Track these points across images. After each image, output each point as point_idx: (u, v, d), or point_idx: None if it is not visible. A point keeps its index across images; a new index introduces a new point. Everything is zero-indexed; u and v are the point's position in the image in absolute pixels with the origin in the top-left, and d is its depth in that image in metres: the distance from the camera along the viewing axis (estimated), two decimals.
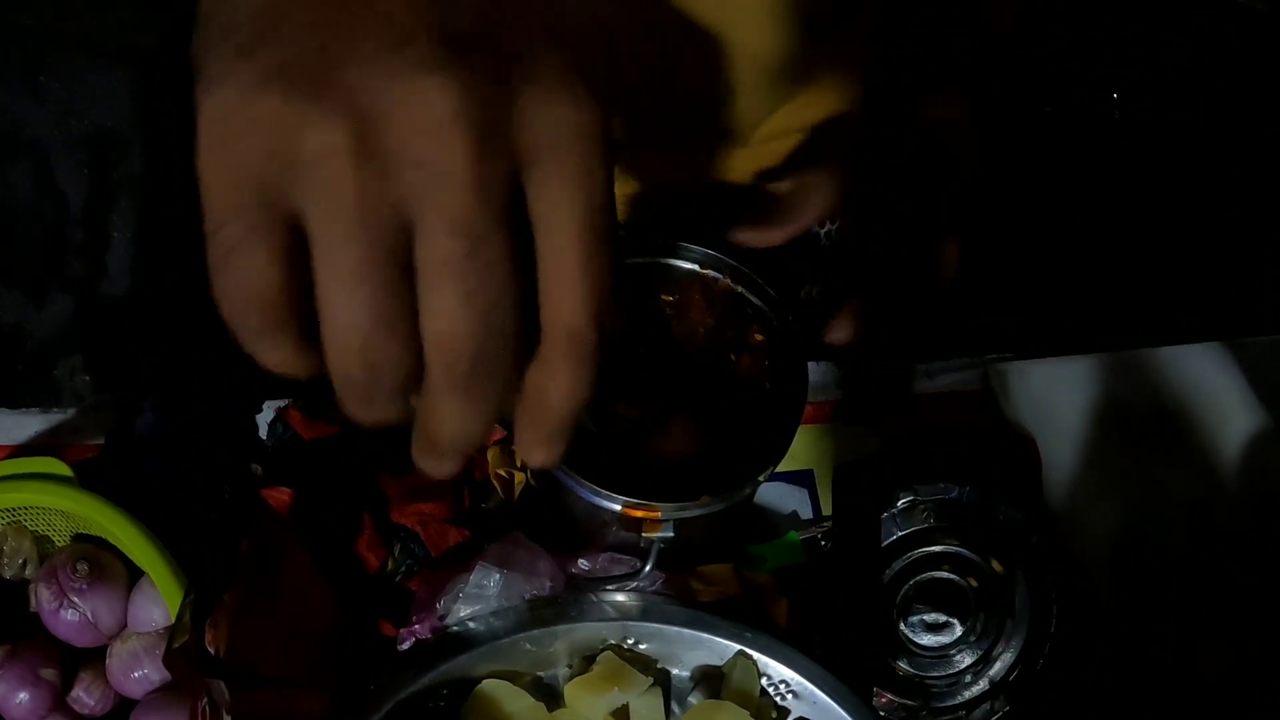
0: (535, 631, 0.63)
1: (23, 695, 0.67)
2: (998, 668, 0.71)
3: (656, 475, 0.62)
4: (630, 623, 0.64)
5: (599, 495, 0.58)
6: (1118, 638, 0.75)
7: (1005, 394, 0.83)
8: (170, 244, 1.22)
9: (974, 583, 0.72)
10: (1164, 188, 1.22)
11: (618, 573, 0.64)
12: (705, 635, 0.64)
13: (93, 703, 0.69)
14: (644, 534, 0.59)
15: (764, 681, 0.64)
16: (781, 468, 0.77)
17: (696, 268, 0.68)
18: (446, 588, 0.64)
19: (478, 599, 0.63)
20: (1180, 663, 0.75)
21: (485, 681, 0.63)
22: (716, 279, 0.68)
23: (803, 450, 0.78)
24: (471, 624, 0.63)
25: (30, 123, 1.23)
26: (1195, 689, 0.75)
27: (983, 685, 0.71)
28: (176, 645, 0.52)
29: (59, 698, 0.68)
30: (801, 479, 0.78)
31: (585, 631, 0.63)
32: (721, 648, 0.64)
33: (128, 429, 0.76)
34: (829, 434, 0.79)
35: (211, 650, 0.54)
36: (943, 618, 0.72)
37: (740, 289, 0.68)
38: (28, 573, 0.73)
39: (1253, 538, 0.81)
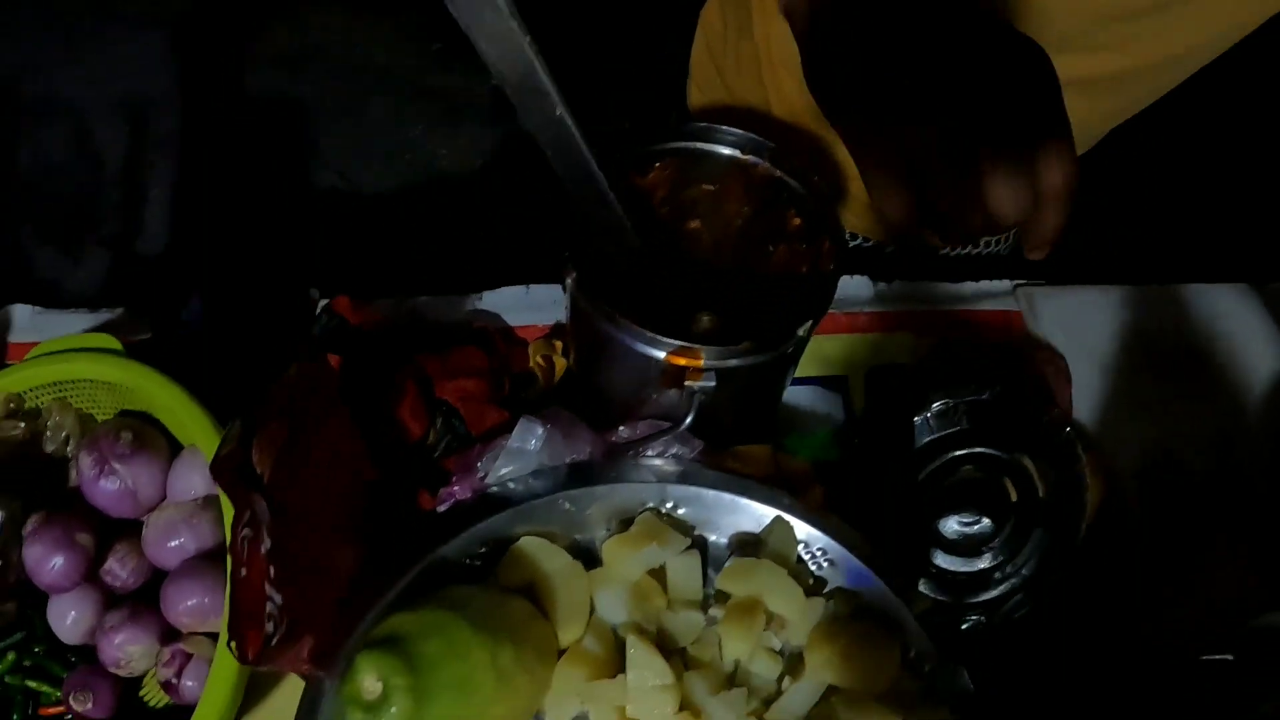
0: (574, 491, 0.63)
1: (57, 559, 0.66)
2: (1027, 565, 0.70)
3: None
4: (669, 485, 0.64)
5: (645, 341, 0.59)
6: (1147, 548, 0.74)
7: (1035, 316, 0.84)
8: (204, 201, 1.25)
9: (1007, 482, 0.72)
10: (1204, 139, 1.22)
11: (657, 432, 0.64)
12: (743, 500, 0.64)
13: (125, 575, 0.69)
14: (686, 382, 0.60)
15: (800, 549, 0.64)
16: (816, 372, 0.79)
17: (737, 153, 0.70)
18: (488, 449, 0.64)
19: (519, 455, 0.63)
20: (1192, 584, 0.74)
21: (523, 539, 0.63)
22: (755, 164, 0.70)
23: (837, 357, 0.79)
24: (511, 484, 0.64)
25: (68, 85, 1.27)
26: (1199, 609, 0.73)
27: (1012, 582, 0.70)
28: (223, 453, 0.52)
29: (92, 566, 0.68)
30: (835, 384, 0.78)
31: (624, 493, 0.64)
32: (759, 513, 0.64)
33: (174, 320, 0.78)
34: (862, 343, 0.80)
35: (257, 471, 0.55)
36: (975, 517, 0.71)
37: (779, 173, 0.69)
38: (69, 449, 0.73)
39: (1272, 470, 0.80)
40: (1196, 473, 0.78)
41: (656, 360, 0.60)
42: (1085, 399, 0.81)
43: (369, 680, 0.52)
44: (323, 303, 0.77)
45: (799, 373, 0.78)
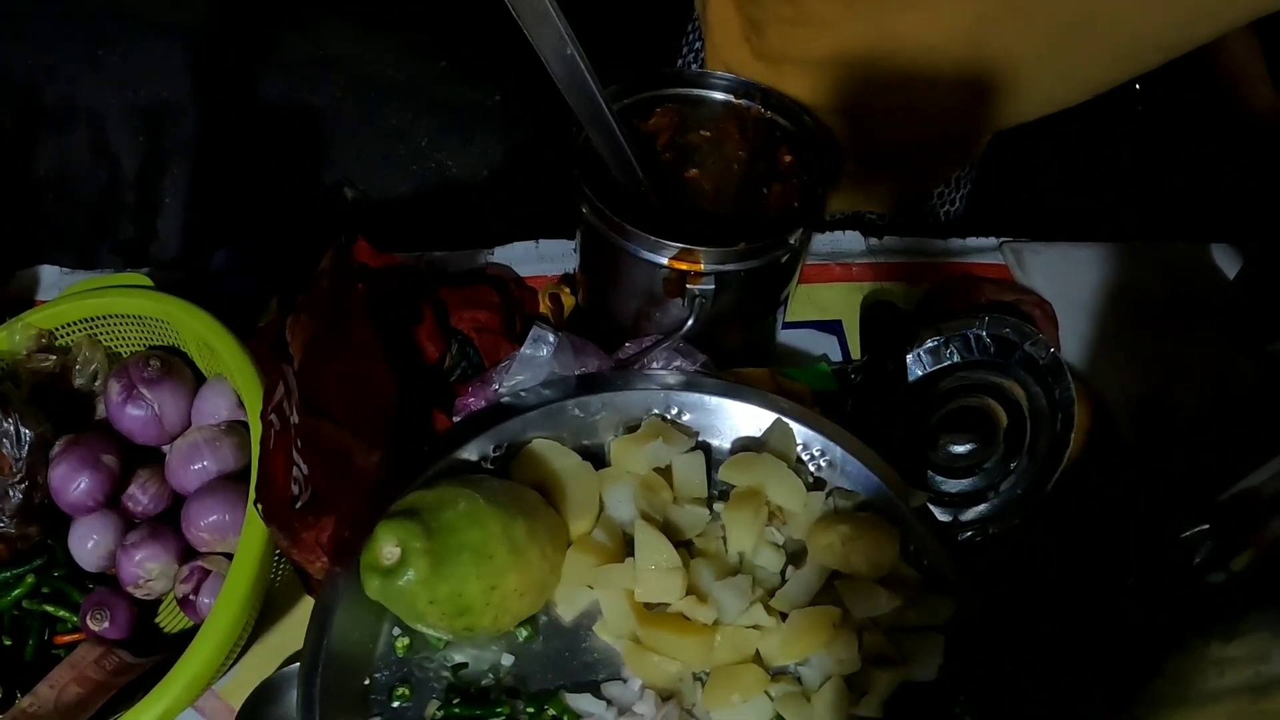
0: (584, 398, 0.66)
1: (82, 479, 0.68)
2: (1017, 485, 0.72)
3: None
4: (673, 393, 0.67)
5: (649, 247, 0.63)
6: (1140, 471, 0.77)
7: (1022, 270, 0.88)
8: (219, 211, 1.30)
9: (997, 408, 0.75)
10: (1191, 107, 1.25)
11: (661, 339, 0.67)
12: (744, 405, 0.67)
13: (146, 500, 0.70)
14: (688, 286, 0.63)
15: (799, 450, 0.66)
16: (812, 317, 0.82)
17: (731, 98, 0.75)
18: (500, 362, 0.67)
19: (531, 363, 0.66)
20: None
21: (535, 441, 0.65)
22: (749, 107, 0.75)
23: (832, 303, 0.83)
24: (523, 393, 0.67)
25: (88, 92, 1.33)
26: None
27: (1005, 498, 0.72)
28: (262, 324, 0.55)
29: (115, 489, 0.70)
30: (831, 327, 0.82)
31: (630, 400, 0.66)
32: (760, 417, 0.67)
33: (203, 269, 0.82)
34: (855, 291, 0.84)
35: (290, 353, 0.58)
36: (967, 442, 0.74)
37: (770, 114, 0.74)
38: (96, 385, 0.76)
39: (1261, 405, 0.83)
40: (1185, 408, 0.81)
41: (660, 267, 0.64)
42: (1073, 344, 0.84)
43: (388, 546, 0.54)
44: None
45: (796, 317, 0.81)
